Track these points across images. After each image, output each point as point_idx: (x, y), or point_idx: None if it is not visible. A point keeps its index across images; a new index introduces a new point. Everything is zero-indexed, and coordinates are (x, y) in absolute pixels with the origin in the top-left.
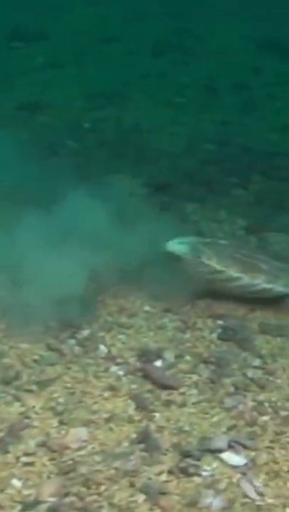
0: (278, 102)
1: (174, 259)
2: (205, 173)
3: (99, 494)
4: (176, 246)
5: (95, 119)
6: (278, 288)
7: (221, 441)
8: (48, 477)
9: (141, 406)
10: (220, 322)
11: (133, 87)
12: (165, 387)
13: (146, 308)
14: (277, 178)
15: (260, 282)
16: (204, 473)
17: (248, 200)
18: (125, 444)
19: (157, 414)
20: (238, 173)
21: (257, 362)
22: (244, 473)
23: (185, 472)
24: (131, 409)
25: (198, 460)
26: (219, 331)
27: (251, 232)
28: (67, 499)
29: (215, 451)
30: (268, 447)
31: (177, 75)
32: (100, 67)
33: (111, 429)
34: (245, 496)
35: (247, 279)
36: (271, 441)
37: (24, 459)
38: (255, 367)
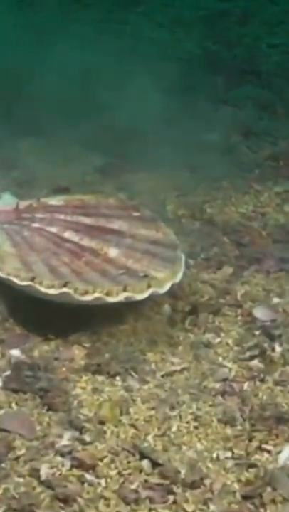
0: None
1: None
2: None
3: None
4: None
5: None
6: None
7: None
8: None
9: None
10: (16, 353)
11: None
12: None
13: None
14: None
15: (88, 299)
16: None
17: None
18: None
19: None
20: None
21: (67, 438)
22: None
23: None
24: None
25: None
26: (7, 373)
27: (108, 174)
28: None
29: None
30: None
31: None
32: None
33: None
34: None
35: (66, 293)
36: None
37: None
38: (60, 451)
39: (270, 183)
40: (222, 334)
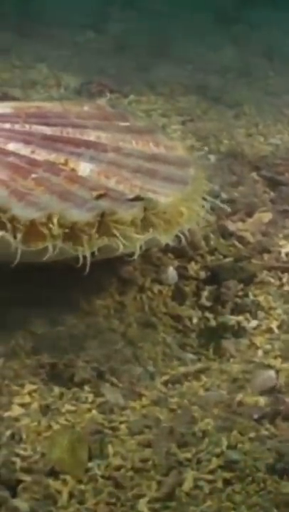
0: None
1: None
2: None
3: None
4: None
5: None
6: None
7: None
8: None
9: None
10: None
11: None
12: None
13: None
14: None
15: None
16: None
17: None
18: None
19: None
20: None
21: None
22: None
23: None
24: None
25: None
26: None
27: (87, 97)
28: None
29: None
30: None
31: None
32: None
33: None
34: None
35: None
36: None
37: None
38: None
39: None
40: (261, 314)
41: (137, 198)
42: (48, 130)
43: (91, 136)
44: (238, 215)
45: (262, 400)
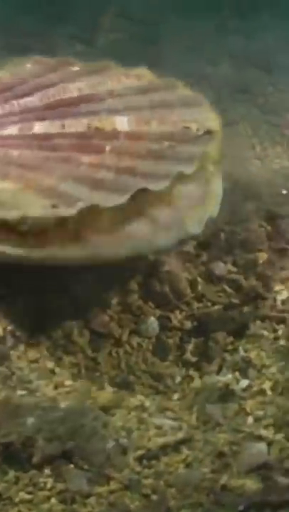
0: None
1: None
2: None
3: None
4: None
5: None
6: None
7: None
8: None
9: None
10: None
11: None
12: None
13: None
14: None
15: None
16: None
17: None
18: None
19: None
20: None
21: None
22: None
23: None
24: None
25: None
26: None
27: None
28: None
29: None
30: None
31: None
32: None
33: None
34: None
35: None
36: None
37: None
38: None
39: None
40: (252, 373)
41: (207, 132)
42: (35, 100)
43: (74, 91)
44: (229, 255)
45: (249, 483)
